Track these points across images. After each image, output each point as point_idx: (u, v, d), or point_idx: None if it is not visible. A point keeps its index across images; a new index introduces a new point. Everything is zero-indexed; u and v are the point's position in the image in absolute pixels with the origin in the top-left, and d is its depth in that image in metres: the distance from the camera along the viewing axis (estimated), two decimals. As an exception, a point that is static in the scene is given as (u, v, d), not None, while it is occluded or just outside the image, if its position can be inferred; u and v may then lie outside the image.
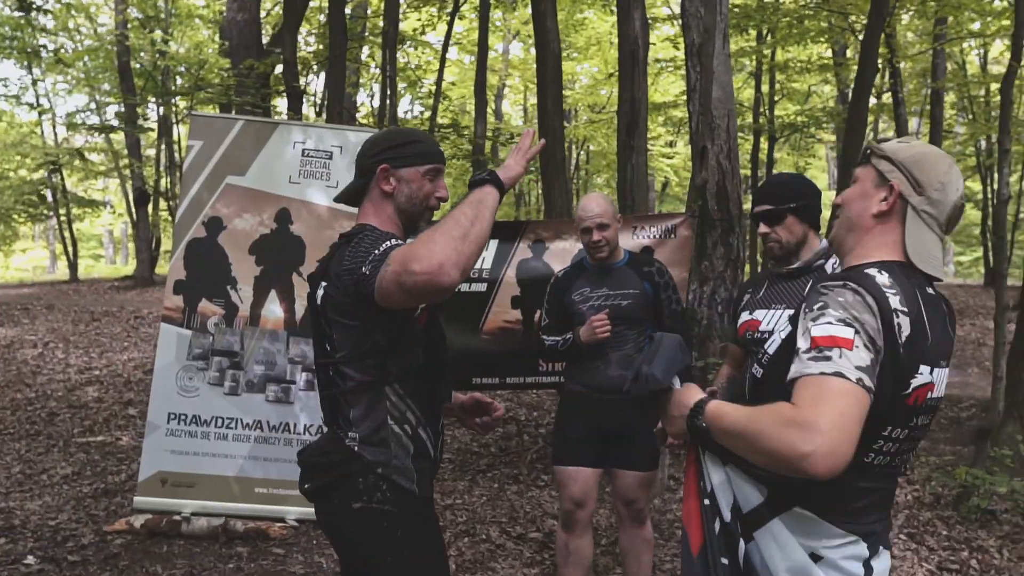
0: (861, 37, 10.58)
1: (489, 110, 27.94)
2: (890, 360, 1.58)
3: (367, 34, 15.56)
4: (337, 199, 2.31)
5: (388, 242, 1.95)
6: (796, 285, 2.79)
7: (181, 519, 4.73)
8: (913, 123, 18.12)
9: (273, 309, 5.06)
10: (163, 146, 20.97)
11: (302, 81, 14.07)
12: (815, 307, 1.60)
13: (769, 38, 13.44)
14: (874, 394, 1.53)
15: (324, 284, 2.07)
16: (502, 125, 22.63)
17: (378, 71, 14.88)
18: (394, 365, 2.08)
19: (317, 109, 20.40)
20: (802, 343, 1.57)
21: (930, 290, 1.73)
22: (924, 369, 1.64)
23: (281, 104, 15.35)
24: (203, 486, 4.86)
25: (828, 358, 1.51)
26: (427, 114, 12.87)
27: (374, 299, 1.90)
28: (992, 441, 5.68)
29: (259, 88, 10.53)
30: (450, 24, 10.92)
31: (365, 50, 16.12)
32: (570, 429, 3.56)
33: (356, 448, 2.08)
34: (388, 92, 10.09)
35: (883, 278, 1.63)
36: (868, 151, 1.84)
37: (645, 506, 3.60)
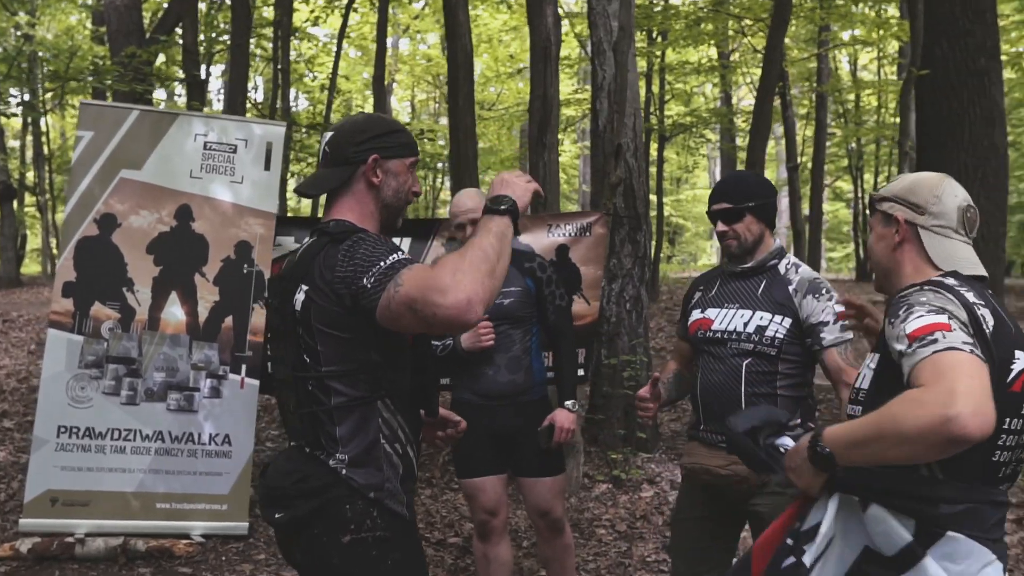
0: (750, 39, 10.93)
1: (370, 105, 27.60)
2: (984, 350, 1.60)
3: (253, 25, 14.99)
4: (305, 189, 2.11)
5: (394, 255, 1.79)
6: (750, 284, 2.76)
7: (75, 541, 4.38)
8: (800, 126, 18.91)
9: (174, 312, 4.77)
10: (29, 137, 19.66)
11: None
12: (900, 312, 1.65)
13: (660, 40, 13.71)
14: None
15: (305, 289, 1.88)
16: (409, 124, 22.27)
17: (263, 63, 14.35)
18: (387, 380, 1.93)
19: (214, 101, 19.60)
20: (900, 345, 1.60)
21: (989, 291, 1.80)
22: (1020, 354, 1.69)
23: (176, 96, 14.61)
24: (99, 504, 4.53)
25: (934, 341, 1.53)
26: (317, 108, 12.47)
27: (373, 315, 1.77)
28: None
29: (143, 77, 9.94)
30: (345, 16, 10.61)
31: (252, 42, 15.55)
32: (468, 440, 3.22)
33: (343, 471, 1.89)
34: (281, 85, 9.70)
35: (952, 280, 1.74)
36: (871, 201, 1.99)
37: (562, 514, 3.49)
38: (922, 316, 1.59)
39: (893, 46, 15.08)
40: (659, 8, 9.27)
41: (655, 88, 15.55)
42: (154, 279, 4.74)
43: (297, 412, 1.94)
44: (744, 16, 8.59)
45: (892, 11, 11.46)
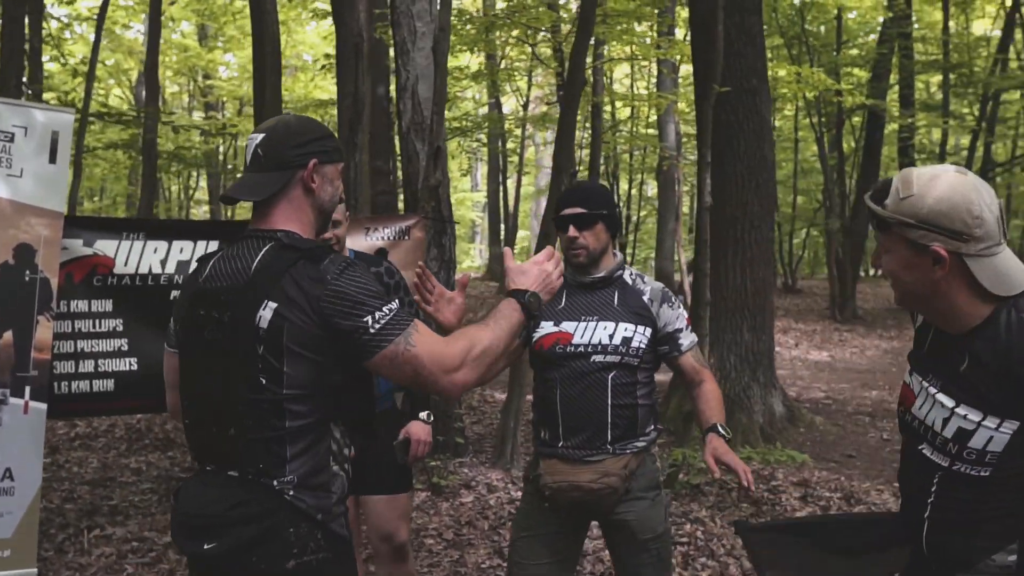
0: (534, 47, 11.28)
1: (126, 94, 25.45)
2: None
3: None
4: (240, 195, 1.97)
5: (394, 301, 1.84)
6: (602, 296, 2.72)
7: None
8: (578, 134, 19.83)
9: (-63, 327, 4.07)
10: None
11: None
12: None
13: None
14: None
15: (273, 306, 1.77)
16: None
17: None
18: (343, 402, 1.88)
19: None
20: None
21: None
22: None
23: None
24: None
25: None
26: (75, 95, 11.22)
27: (367, 357, 1.78)
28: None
29: None
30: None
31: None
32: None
33: (289, 494, 1.80)
34: (34, 66, 8.62)
35: None
36: (875, 216, 1.74)
37: (407, 538, 3.25)
38: None
39: (654, 66, 16.21)
40: (455, 13, 9.30)
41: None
42: (-90, 289, 4.03)
43: (242, 438, 1.82)
44: (534, 26, 8.84)
45: (652, 33, 12.38)
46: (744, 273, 7.33)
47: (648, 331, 2.68)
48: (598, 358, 2.63)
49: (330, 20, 7.81)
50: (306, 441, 1.82)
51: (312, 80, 20.82)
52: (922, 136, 19.98)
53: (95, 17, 18.12)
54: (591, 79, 16.71)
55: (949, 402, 1.69)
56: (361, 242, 5.08)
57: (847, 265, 16.75)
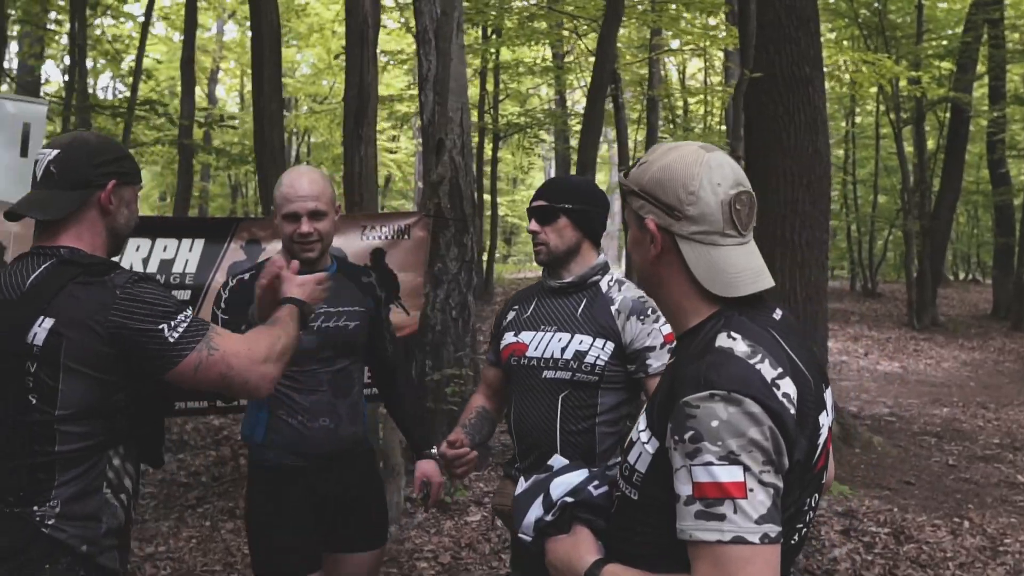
0: (584, 41, 10.82)
1: (202, 93, 25.98)
2: (792, 450, 1.28)
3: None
4: (20, 211, 1.88)
5: (187, 310, 1.81)
6: (569, 303, 2.43)
7: None
8: (632, 130, 19.33)
9: None
10: None
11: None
12: (686, 437, 1.25)
13: (494, 37, 13.48)
14: (790, 493, 1.30)
15: (49, 323, 1.70)
16: (215, 110, 20.95)
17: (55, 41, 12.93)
18: (124, 426, 1.81)
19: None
20: (683, 487, 1.25)
21: (776, 315, 1.43)
22: (822, 419, 1.38)
23: None
24: None
25: (721, 516, 1.21)
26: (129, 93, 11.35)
27: (168, 368, 1.75)
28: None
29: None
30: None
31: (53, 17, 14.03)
32: (279, 528, 2.52)
33: (49, 522, 1.71)
34: (77, 65, 8.62)
35: (742, 346, 1.30)
36: (620, 186, 1.54)
37: None
38: (713, 466, 1.22)
39: (719, 57, 15.55)
40: (495, 2, 8.94)
41: (489, 87, 15.32)
42: None
43: (3, 463, 1.74)
44: (578, 15, 8.39)
45: (716, 22, 11.75)
46: (793, 278, 6.72)
47: (610, 346, 2.34)
48: (548, 373, 2.38)
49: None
50: (78, 468, 1.74)
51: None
52: (1015, 132, 18.72)
53: (174, 16, 18.54)
54: (648, 72, 16.30)
55: (643, 422, 1.42)
56: (356, 242, 4.76)
57: (927, 268, 15.74)
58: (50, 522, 1.71)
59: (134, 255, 4.76)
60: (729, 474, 1.21)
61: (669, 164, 1.39)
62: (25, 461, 1.71)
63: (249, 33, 23.99)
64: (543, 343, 2.41)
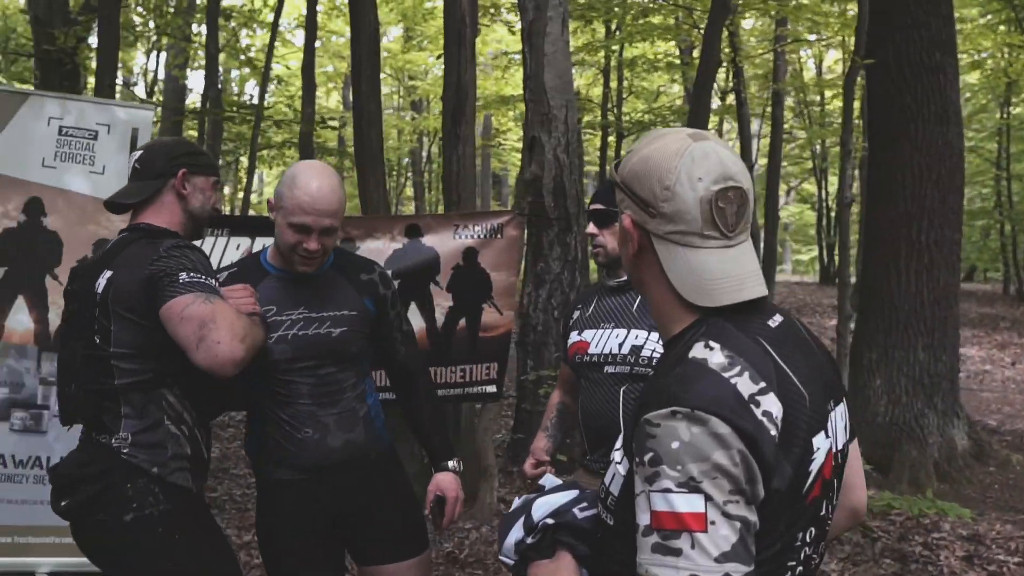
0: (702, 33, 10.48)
1: (338, 98, 26.90)
2: (770, 477, 1.12)
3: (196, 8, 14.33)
4: (118, 200, 2.27)
5: (212, 278, 2.01)
6: (624, 300, 2.53)
7: None
8: (755, 124, 18.69)
9: (20, 319, 4.17)
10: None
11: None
12: (646, 459, 1.12)
13: (617, 34, 13.30)
14: (772, 527, 1.15)
15: (108, 275, 2.04)
16: (348, 114, 21.64)
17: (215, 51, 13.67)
18: (174, 366, 2.04)
19: (148, 89, 18.80)
20: (641, 516, 1.12)
21: (772, 322, 1.25)
22: (817, 441, 1.20)
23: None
24: (-79, 540, 3.96)
25: (677, 552, 1.07)
26: (294, 101, 11.86)
27: (163, 299, 1.92)
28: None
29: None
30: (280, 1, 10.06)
31: (197, 28, 14.87)
32: (286, 538, 2.40)
33: (125, 451, 2.04)
34: (211, 72, 9.10)
35: (718, 357, 1.16)
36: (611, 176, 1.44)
37: None
38: (671, 493, 1.08)
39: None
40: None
41: (613, 84, 15.12)
42: (-4, 282, 4.17)
43: (80, 392, 2.09)
44: (695, 7, 8.13)
45: (851, 8, 11.13)
46: (920, 280, 6.29)
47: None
48: (609, 369, 2.47)
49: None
50: (139, 400, 2.04)
51: (502, 76, 20.94)
52: None
53: (303, 25, 19.29)
54: (773, 64, 15.65)
55: (620, 440, 1.32)
56: (449, 241, 4.76)
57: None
58: (126, 450, 2.03)
59: (235, 253, 4.95)
60: (688, 503, 1.07)
61: (649, 155, 1.25)
62: (95, 387, 2.05)
63: (385, 39, 24.73)
64: (603, 340, 2.49)
